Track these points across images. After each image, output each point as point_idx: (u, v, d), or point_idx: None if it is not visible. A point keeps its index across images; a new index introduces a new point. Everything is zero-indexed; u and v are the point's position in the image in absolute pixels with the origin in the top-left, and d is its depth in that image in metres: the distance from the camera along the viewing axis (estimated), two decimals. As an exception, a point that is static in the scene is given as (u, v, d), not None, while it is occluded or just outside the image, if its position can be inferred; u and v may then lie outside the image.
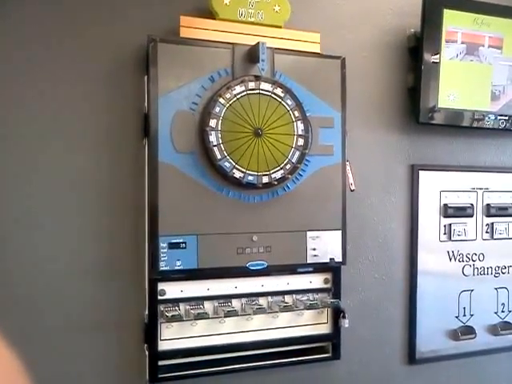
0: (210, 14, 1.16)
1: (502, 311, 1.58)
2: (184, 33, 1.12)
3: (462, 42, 1.40)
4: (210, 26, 1.14)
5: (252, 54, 1.15)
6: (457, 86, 1.41)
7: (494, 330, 1.57)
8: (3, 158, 1.07)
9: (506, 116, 1.47)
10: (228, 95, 1.12)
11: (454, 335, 1.51)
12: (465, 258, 1.54)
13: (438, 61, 1.37)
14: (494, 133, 1.53)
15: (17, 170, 1.08)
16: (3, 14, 1.06)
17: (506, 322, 1.58)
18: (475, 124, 1.45)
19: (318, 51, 1.24)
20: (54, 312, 1.11)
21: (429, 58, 1.37)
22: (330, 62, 1.25)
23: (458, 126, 1.45)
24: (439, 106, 1.39)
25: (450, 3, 1.37)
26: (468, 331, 1.52)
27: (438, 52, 1.37)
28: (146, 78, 1.12)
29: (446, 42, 1.37)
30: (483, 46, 1.42)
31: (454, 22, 1.38)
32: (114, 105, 1.15)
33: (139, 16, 1.15)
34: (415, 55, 1.40)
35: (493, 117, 1.46)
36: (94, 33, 1.13)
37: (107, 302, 1.14)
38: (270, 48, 1.16)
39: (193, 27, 1.13)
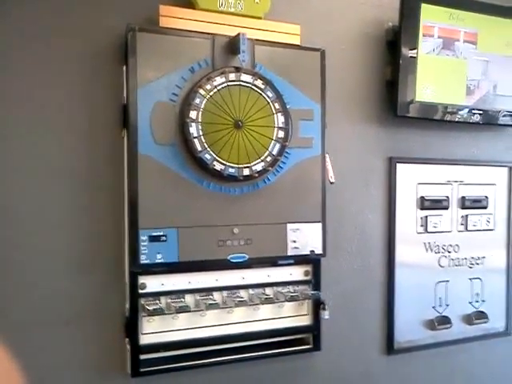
0: (189, 4, 1.15)
1: (476, 301, 1.62)
2: (163, 22, 1.11)
3: (439, 37, 1.42)
4: (189, 16, 1.13)
5: (232, 45, 1.15)
6: (433, 80, 1.43)
7: (468, 319, 1.60)
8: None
9: (479, 110, 1.51)
10: (208, 86, 1.11)
11: (431, 325, 1.54)
12: (441, 250, 1.57)
13: (415, 55, 1.39)
14: (468, 126, 1.56)
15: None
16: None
17: (479, 311, 1.62)
18: (451, 118, 1.48)
19: (298, 43, 1.24)
20: (34, 306, 1.09)
21: (406, 51, 1.38)
22: (309, 54, 1.25)
23: (434, 119, 1.47)
24: (416, 99, 1.41)
25: (428, -3, 1.39)
26: (444, 321, 1.56)
27: (415, 46, 1.38)
28: (124, 67, 1.10)
29: (424, 36, 1.39)
30: (459, 40, 1.45)
31: (431, 16, 1.40)
32: (93, 95, 1.12)
33: (118, 4, 1.13)
34: (393, 48, 1.42)
35: (467, 111, 1.49)
36: (71, 21, 1.10)
37: (87, 296, 1.12)
38: (251, 39, 1.16)
39: (172, 17, 1.11)
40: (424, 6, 1.38)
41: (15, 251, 1.07)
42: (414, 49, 1.39)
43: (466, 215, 1.59)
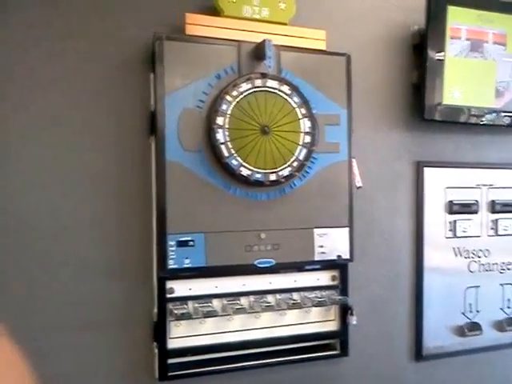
0: (215, 12, 1.16)
1: (508, 307, 1.58)
2: (190, 30, 1.12)
3: (467, 39, 1.40)
4: (215, 23, 1.14)
5: (258, 52, 1.15)
6: (461, 82, 1.41)
7: (500, 326, 1.57)
8: (11, 158, 1.07)
9: (510, 113, 1.48)
10: (235, 93, 1.12)
11: (461, 331, 1.51)
12: (470, 255, 1.54)
13: (442, 58, 1.37)
14: (498, 129, 1.53)
15: (24, 170, 1.08)
16: (4, 17, 1.06)
17: (511, 318, 1.58)
18: (479, 121, 1.45)
19: (324, 48, 1.24)
20: (62, 312, 1.11)
21: (433, 54, 1.37)
22: (335, 59, 1.25)
23: (463, 122, 1.44)
24: (444, 102, 1.39)
25: (454, 0, 1.37)
26: (474, 327, 1.52)
27: (442, 49, 1.37)
28: (152, 75, 1.12)
29: (451, 38, 1.38)
30: (487, 42, 1.42)
31: (458, 18, 1.38)
32: (121, 103, 1.15)
33: (145, 14, 1.15)
34: (419, 52, 1.40)
35: (496, 113, 1.46)
36: (99, 31, 1.13)
37: (116, 300, 1.14)
38: (276, 45, 1.16)
39: (198, 24, 1.13)
40: (451, 8, 1.37)
41: (44, 256, 1.10)
42: (441, 51, 1.37)
43: (496, 219, 1.56)
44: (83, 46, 1.12)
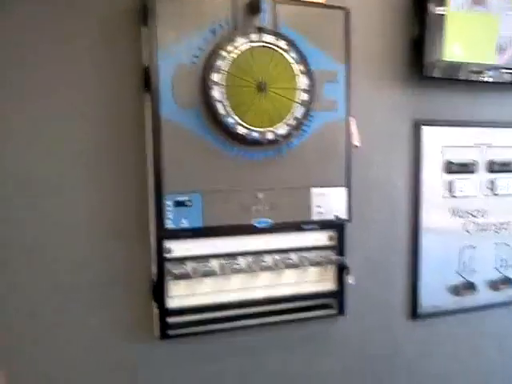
0: (210, -37, 1.11)
1: (502, 266, 1.60)
2: (184, -18, 1.07)
3: (469, -9, 1.36)
4: (210, -25, 1.09)
5: (253, 5, 1.11)
6: (462, 38, 1.37)
7: (494, 285, 1.58)
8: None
9: (511, 69, 1.45)
10: (230, 48, 1.09)
11: (456, 291, 1.53)
12: (467, 215, 1.53)
13: (443, 12, 1.33)
14: (498, 87, 1.50)
15: (15, 131, 1.06)
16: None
17: (506, 277, 1.60)
18: (479, 78, 1.43)
19: (323, 1, 1.20)
20: (60, 271, 1.10)
21: (433, 9, 1.33)
22: (334, 13, 1.21)
23: (462, 79, 1.42)
24: (443, 59, 1.36)
25: (457, -50, 1.32)
26: (469, 286, 1.54)
27: (443, 2, 1.33)
28: (144, 29, 1.07)
29: (452, -9, 1.33)
30: (491, -6, 1.38)
31: (461, -30, 1.33)
32: (112, 59, 1.11)
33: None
34: (420, 6, 1.36)
35: (498, 70, 1.43)
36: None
37: (114, 260, 1.14)
38: (273, -2, 1.12)
39: (193, -25, 1.08)
40: (453, -41, 1.32)
41: (39, 217, 1.08)
42: (442, 5, 1.33)
43: (494, 179, 1.55)
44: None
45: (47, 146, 1.08)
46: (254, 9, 1.12)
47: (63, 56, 1.08)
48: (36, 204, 1.08)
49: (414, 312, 1.49)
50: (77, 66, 1.09)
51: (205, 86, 1.08)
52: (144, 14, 1.07)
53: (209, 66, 1.08)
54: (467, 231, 1.54)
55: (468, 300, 1.55)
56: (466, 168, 1.51)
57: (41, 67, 1.06)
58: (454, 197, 1.51)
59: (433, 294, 1.50)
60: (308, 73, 1.16)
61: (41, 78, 1.06)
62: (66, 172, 1.09)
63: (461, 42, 1.37)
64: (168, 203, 1.08)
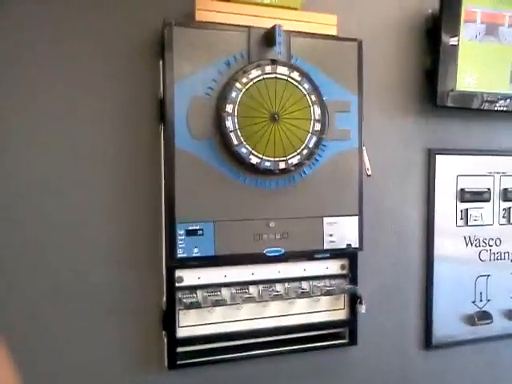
0: (225, -4, 1.14)
1: (517, 295, 1.57)
2: (200, 16, 1.10)
3: (482, 22, 1.36)
4: (225, 9, 1.12)
5: (268, 38, 1.13)
6: (475, 67, 1.38)
7: (510, 314, 1.55)
8: (23, 147, 1.07)
9: (524, 98, 1.44)
10: (244, 79, 1.10)
11: (471, 320, 1.51)
12: (481, 243, 1.52)
13: (456, 42, 1.34)
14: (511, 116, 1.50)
15: (34, 159, 1.08)
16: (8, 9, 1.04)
17: (522, 306, 1.57)
18: (493, 107, 1.42)
19: (335, 34, 1.22)
20: (71, 299, 1.11)
21: (447, 39, 1.34)
22: (346, 45, 1.22)
23: (476, 109, 1.41)
24: (457, 88, 1.37)
25: (470, -18, 1.34)
26: (484, 316, 1.52)
27: (456, 33, 1.33)
28: (161, 62, 1.10)
29: (465, 22, 1.34)
30: (503, 25, 1.39)
31: (474, 1, 1.34)
32: (130, 90, 1.13)
33: (154, 0, 1.13)
34: (433, 37, 1.37)
35: (511, 99, 1.43)
36: (108, 19, 1.11)
37: (125, 289, 1.14)
38: (287, 31, 1.14)
39: (208, 10, 1.10)
40: (466, -9, 1.33)
41: (53, 246, 1.10)
42: (456, 36, 1.34)
43: (509, 208, 1.54)
44: (92, 32, 1.10)
45: (61, 175, 1.10)
46: (268, 41, 1.14)
47: (84, 87, 1.10)
48: (48, 231, 1.09)
49: (428, 342, 1.46)
50: (96, 97, 1.11)
51: (219, 117, 1.10)
52: (162, 48, 1.09)
53: (223, 98, 1.10)
54: (482, 260, 1.52)
55: (483, 330, 1.52)
56: (480, 196, 1.50)
57: (61, 97, 1.09)
58: (469, 225, 1.50)
59: (447, 324, 1.48)
60: (320, 103, 1.17)
61: (60, 107, 1.09)
62: (80, 199, 1.11)
63: (474, 71, 1.37)
64: (180, 232, 1.09)
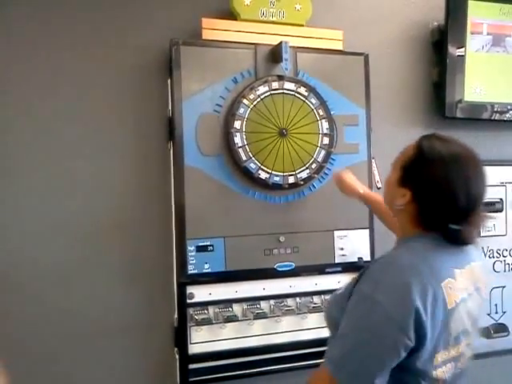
0: (231, 16, 1.16)
1: (534, 307, 1.54)
2: (206, 35, 1.12)
3: (488, 34, 1.37)
4: (231, 27, 1.14)
5: (275, 54, 1.15)
6: (483, 78, 1.38)
7: (527, 327, 1.53)
8: (39, 165, 1.09)
9: (535, 107, 1.44)
10: (252, 96, 1.12)
11: (486, 333, 1.48)
12: (495, 254, 1.50)
13: (463, 54, 1.34)
14: (522, 125, 1.49)
15: (48, 178, 1.10)
16: (23, 27, 1.07)
17: (538, 318, 1.54)
18: (501, 117, 1.42)
19: (341, 48, 1.23)
20: (84, 316, 1.12)
21: (453, 51, 1.34)
22: (353, 59, 1.23)
23: (485, 119, 1.41)
24: (465, 99, 1.37)
25: (475, -6, 1.34)
26: (500, 328, 1.49)
27: (462, 45, 1.34)
28: (169, 81, 1.12)
29: (471, 33, 1.35)
30: (510, 36, 1.39)
31: (479, 13, 1.35)
32: (139, 109, 1.15)
33: (162, 20, 1.16)
34: (439, 49, 1.37)
35: (520, 109, 1.43)
36: (118, 38, 1.14)
37: (136, 305, 1.15)
38: (293, 47, 1.15)
39: (215, 29, 1.13)
40: (471, 3, 1.34)
41: (66, 263, 1.11)
42: (462, 47, 1.34)
43: (522, 218, 1.52)
44: (101, 52, 1.13)
45: (72, 194, 1.11)
46: (275, 58, 1.15)
47: (94, 106, 1.12)
48: (60, 250, 1.11)
49: (443, 355, 1.44)
50: (106, 117, 1.13)
51: (227, 134, 1.11)
52: (170, 67, 1.11)
53: (231, 114, 1.11)
54: (496, 271, 1.50)
55: (499, 342, 1.49)
56: (492, 207, 1.49)
57: (68, 114, 1.11)
58: (481, 236, 1.48)
59: (462, 337, 1.46)
60: (328, 117, 1.18)
61: (71, 127, 1.12)
62: (91, 218, 1.12)
63: (482, 82, 1.37)
64: (190, 248, 1.10)
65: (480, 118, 1.40)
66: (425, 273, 0.69)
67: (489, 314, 1.49)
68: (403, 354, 0.66)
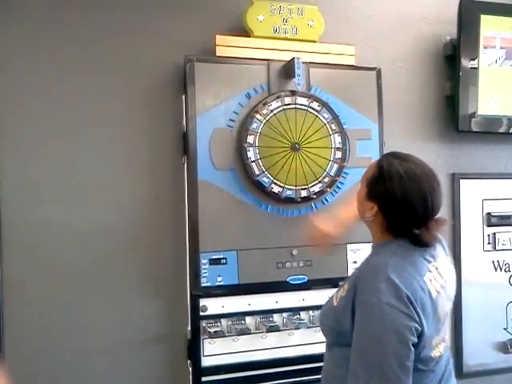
0: (245, 32, 1.18)
1: (551, 322, 1.52)
2: (220, 51, 1.14)
3: (501, 47, 1.37)
4: (245, 44, 1.16)
5: (287, 70, 1.16)
6: (497, 92, 1.38)
7: (544, 341, 1.50)
8: (53, 179, 1.12)
9: (549, 120, 1.43)
10: (265, 111, 1.13)
11: (503, 348, 1.46)
12: (511, 268, 1.49)
13: (476, 67, 1.35)
14: (536, 138, 1.48)
15: (64, 191, 1.13)
16: (39, 45, 1.11)
17: (556, 333, 1.52)
18: (516, 130, 1.42)
19: (354, 63, 1.24)
20: (99, 330, 1.14)
21: (467, 64, 1.34)
22: (365, 74, 1.24)
23: (499, 132, 1.41)
24: (479, 113, 1.36)
25: (487, 9, 1.35)
26: (518, 344, 1.47)
27: (475, 58, 1.34)
28: (183, 97, 1.14)
29: (484, 47, 1.35)
30: (524, 49, 1.39)
31: (492, 27, 1.35)
32: (153, 125, 1.18)
33: (176, 37, 1.18)
34: (452, 63, 1.38)
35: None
36: (133, 55, 1.16)
37: (150, 318, 1.16)
38: (305, 62, 1.17)
39: (228, 45, 1.15)
40: (484, 17, 1.34)
41: (80, 275, 1.13)
42: (475, 60, 1.34)
43: (539, 231, 1.50)
44: (116, 69, 1.16)
45: (87, 206, 1.14)
46: (288, 73, 1.17)
47: (108, 120, 1.15)
48: (75, 262, 1.13)
49: (459, 370, 1.42)
50: (122, 132, 1.16)
51: (240, 148, 1.13)
52: (184, 83, 1.14)
53: (244, 129, 1.13)
54: (512, 285, 1.49)
55: (517, 358, 1.47)
56: (507, 220, 1.48)
57: (88, 133, 1.14)
58: (497, 249, 1.47)
59: (478, 352, 1.44)
60: (341, 132, 1.19)
61: (89, 142, 1.14)
62: (107, 231, 1.14)
63: (496, 96, 1.37)
64: (203, 261, 1.11)
65: (495, 131, 1.40)
66: (410, 270, 0.79)
67: (505, 329, 1.47)
68: (416, 340, 0.74)
